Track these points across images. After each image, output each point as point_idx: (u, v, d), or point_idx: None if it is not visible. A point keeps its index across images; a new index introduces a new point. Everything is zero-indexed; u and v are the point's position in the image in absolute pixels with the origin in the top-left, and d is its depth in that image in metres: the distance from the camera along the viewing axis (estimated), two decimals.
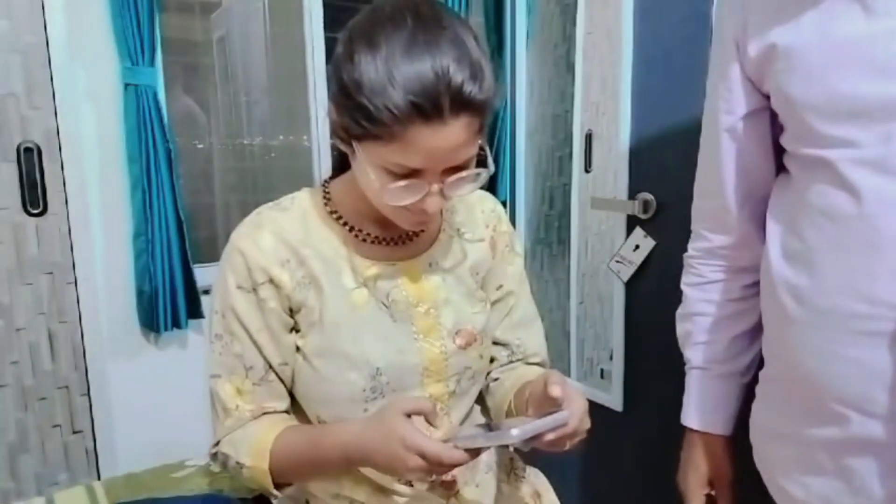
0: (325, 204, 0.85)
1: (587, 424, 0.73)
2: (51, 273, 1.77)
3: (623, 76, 1.55)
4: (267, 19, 2.52)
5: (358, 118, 0.68)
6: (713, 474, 0.91)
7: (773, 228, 0.75)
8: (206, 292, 2.02)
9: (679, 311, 0.96)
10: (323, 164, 2.31)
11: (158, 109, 1.85)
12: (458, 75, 0.66)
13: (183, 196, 1.93)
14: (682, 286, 0.95)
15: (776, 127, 0.77)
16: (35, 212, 1.73)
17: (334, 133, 0.76)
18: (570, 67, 2.03)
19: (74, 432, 1.85)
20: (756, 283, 0.84)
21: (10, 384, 1.75)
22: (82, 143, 1.80)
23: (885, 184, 0.60)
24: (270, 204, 0.85)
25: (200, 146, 2.25)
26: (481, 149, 0.74)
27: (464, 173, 0.72)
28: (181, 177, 1.93)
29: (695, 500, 0.92)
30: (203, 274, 2.01)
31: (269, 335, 0.81)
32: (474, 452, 0.71)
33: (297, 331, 0.83)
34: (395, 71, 0.65)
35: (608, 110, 1.91)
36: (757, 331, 0.88)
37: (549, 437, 0.69)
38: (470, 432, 0.78)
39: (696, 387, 0.93)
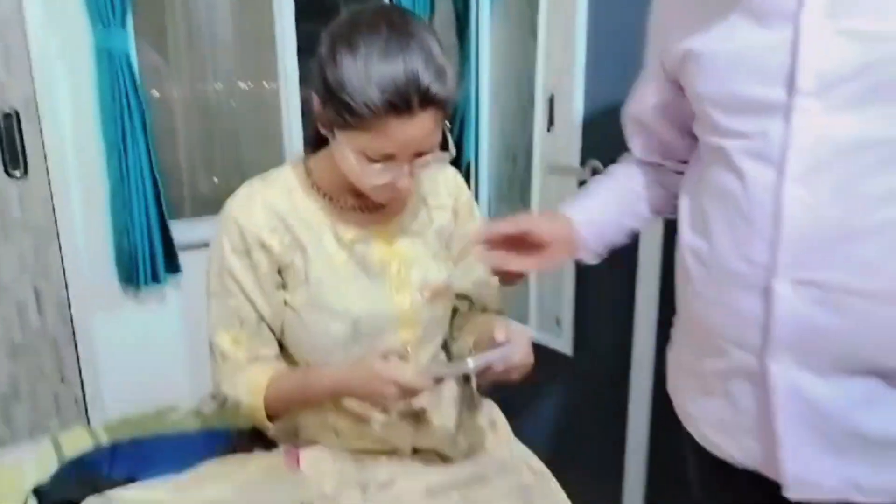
0: (307, 178, 0.98)
1: (530, 359, 0.87)
2: (34, 233, 1.85)
3: (577, 45, 1.64)
4: None
5: (340, 111, 0.80)
6: (548, 235, 0.89)
7: (683, 202, 0.88)
8: (182, 249, 2.10)
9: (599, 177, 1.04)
10: (292, 118, 2.35)
11: (132, 71, 1.88)
12: (426, 76, 0.78)
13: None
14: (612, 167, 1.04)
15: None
16: (16, 174, 1.78)
17: (318, 121, 0.88)
18: (534, 30, 2.08)
19: (63, 382, 1.96)
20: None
21: (0, 338, 1.84)
22: (59, 108, 1.85)
23: (761, 170, 0.73)
24: (259, 177, 0.98)
25: (158, 95, 2.23)
26: (444, 135, 0.87)
27: (429, 157, 0.86)
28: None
29: (511, 224, 0.88)
30: (177, 230, 2.08)
31: (261, 292, 0.94)
32: (438, 380, 0.87)
33: (286, 288, 0.96)
34: (372, 72, 0.77)
35: (569, 72, 1.98)
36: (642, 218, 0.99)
37: (499, 367, 0.84)
38: (435, 363, 0.95)
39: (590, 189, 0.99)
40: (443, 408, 1.05)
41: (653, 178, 1.01)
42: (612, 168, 1.05)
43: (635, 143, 1.02)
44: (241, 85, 2.44)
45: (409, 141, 0.82)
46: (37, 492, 0.90)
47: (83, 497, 0.85)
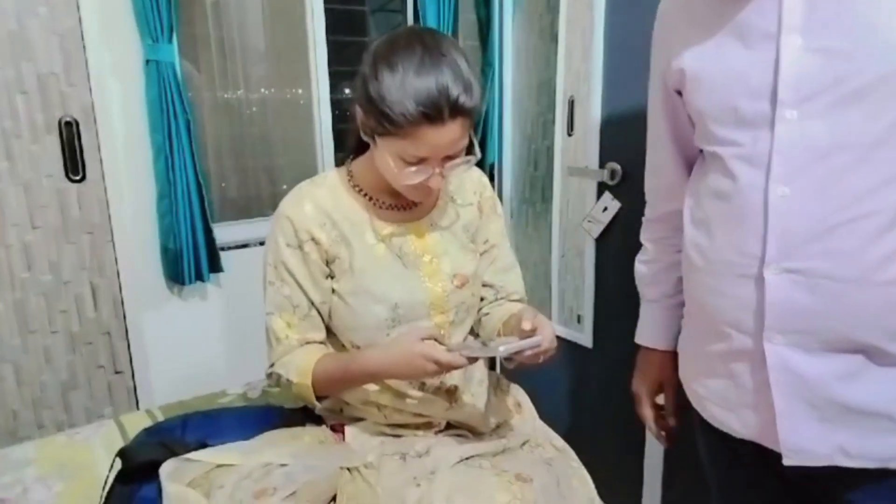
0: (349, 180, 1.10)
1: (555, 345, 0.98)
2: (91, 233, 1.99)
3: (595, 51, 1.71)
4: None
5: (381, 121, 0.92)
6: (661, 379, 1.13)
7: (687, 201, 0.97)
8: (223, 249, 2.25)
9: (639, 258, 1.17)
10: (323, 125, 2.46)
11: (177, 82, 2.01)
12: (455, 90, 0.90)
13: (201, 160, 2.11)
14: (643, 241, 1.18)
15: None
16: (76, 178, 1.93)
17: (360, 129, 1.00)
18: (554, 37, 2.14)
19: (116, 372, 2.10)
20: None
21: (60, 331, 1.98)
22: (112, 116, 1.98)
23: (751, 173, 0.82)
24: (308, 181, 1.10)
25: (196, 99, 2.27)
26: (470, 140, 0.99)
27: (458, 160, 0.98)
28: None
29: (646, 402, 1.14)
30: (219, 232, 2.21)
31: (312, 281, 1.06)
32: (472, 360, 0.97)
33: (332, 277, 1.07)
34: (408, 87, 0.89)
35: (589, 77, 2.05)
36: None
37: (528, 353, 0.94)
38: (469, 344, 1.06)
39: (649, 314, 1.15)
40: (473, 389, 1.15)
41: (673, 234, 1.09)
42: (651, 273, 1.15)
43: (659, 195, 1.12)
44: (274, 93, 2.54)
45: (440, 146, 0.93)
46: (122, 454, 1.01)
47: (164, 458, 0.96)
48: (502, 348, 0.92)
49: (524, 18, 2.18)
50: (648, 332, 1.16)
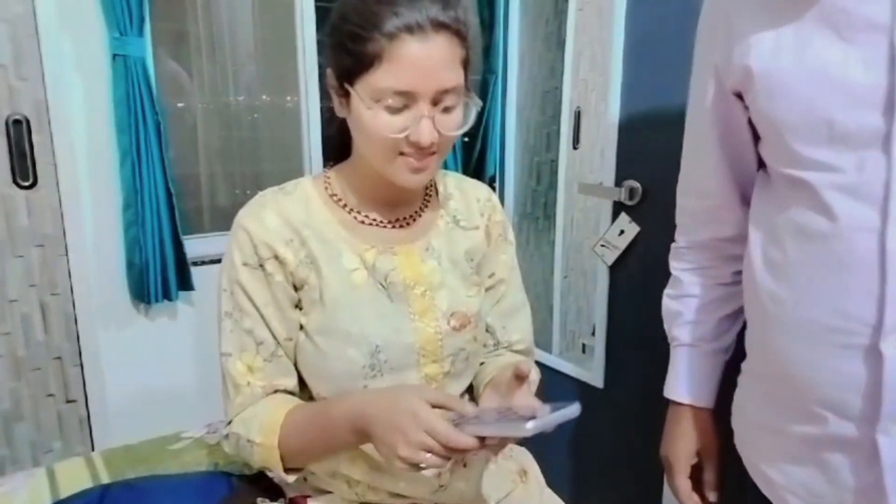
0: (326, 188, 0.89)
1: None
2: (42, 245, 1.78)
3: (614, 59, 1.55)
4: None
5: (353, 49, 0.75)
6: (701, 445, 0.94)
7: (755, 235, 0.78)
8: (195, 264, 2.05)
9: (668, 292, 1.00)
10: (312, 131, 2.30)
11: (147, 80, 1.83)
12: (436, 2, 0.75)
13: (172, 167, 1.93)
14: (674, 270, 0.99)
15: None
16: (25, 184, 1.72)
17: (332, 91, 0.82)
18: (561, 44, 2.03)
19: (68, 401, 1.88)
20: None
21: (4, 355, 1.77)
22: (71, 115, 1.78)
23: (858, 209, 0.63)
24: (274, 188, 0.89)
25: (181, 105, 2.20)
26: (466, 91, 0.81)
27: (450, 101, 0.78)
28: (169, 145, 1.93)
29: (682, 471, 0.94)
30: (192, 245, 2.02)
31: (276, 308, 0.85)
32: (481, 440, 0.69)
33: (300, 308, 0.87)
34: (381, 4, 0.74)
35: (598, 87, 1.91)
36: (740, 313, 0.92)
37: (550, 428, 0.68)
38: (478, 416, 0.73)
39: (684, 362, 0.96)
40: (467, 456, 0.94)
41: (717, 263, 0.93)
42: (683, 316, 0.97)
43: (700, 219, 0.95)
44: (262, 97, 2.41)
45: (425, 68, 0.75)
46: None
47: None
48: (530, 425, 0.64)
49: (529, 23, 2.10)
50: (683, 385, 0.96)
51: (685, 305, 0.96)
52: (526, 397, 0.76)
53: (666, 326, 1.00)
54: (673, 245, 1.01)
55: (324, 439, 0.82)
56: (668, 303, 0.99)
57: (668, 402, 0.99)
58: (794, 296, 0.70)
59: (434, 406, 0.71)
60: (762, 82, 0.70)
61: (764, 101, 0.71)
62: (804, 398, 0.71)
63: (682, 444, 0.95)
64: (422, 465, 0.70)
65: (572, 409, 0.68)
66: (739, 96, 0.77)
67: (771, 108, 0.70)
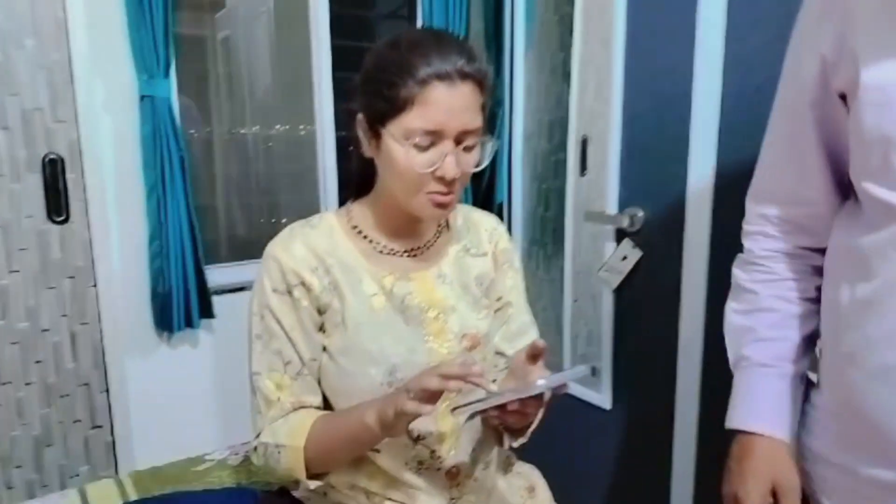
0: (348, 221, 0.98)
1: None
2: (73, 277, 1.86)
3: (614, 92, 1.62)
4: (272, 22, 2.58)
5: (385, 93, 0.84)
6: (779, 483, 0.79)
7: (839, 260, 0.72)
8: (215, 293, 2.12)
9: (735, 307, 0.90)
10: (328, 163, 2.37)
11: (172, 118, 1.92)
12: (462, 54, 0.85)
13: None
14: (744, 282, 0.89)
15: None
16: (58, 219, 1.81)
17: (362, 132, 0.91)
18: (567, 75, 2.09)
19: (94, 427, 1.95)
20: None
21: (36, 382, 1.84)
22: (101, 153, 1.88)
23: None
24: (301, 221, 0.98)
25: (196, 134, 2.25)
26: (485, 133, 0.91)
27: (471, 141, 0.87)
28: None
29: None
30: (210, 275, 2.08)
31: (302, 331, 0.92)
32: (502, 407, 0.80)
33: (324, 330, 0.94)
34: (415, 52, 0.84)
35: (603, 115, 1.97)
36: (817, 335, 0.85)
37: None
38: (499, 392, 0.83)
39: (758, 385, 0.84)
40: (477, 472, 1.00)
41: (802, 276, 0.84)
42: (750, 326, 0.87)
43: (793, 227, 0.86)
44: (279, 129, 2.48)
45: (453, 110, 0.84)
46: None
47: None
48: (541, 381, 0.77)
49: (536, 56, 2.15)
50: (757, 412, 0.83)
51: (758, 321, 0.85)
52: (540, 371, 0.84)
53: (730, 345, 0.90)
54: (741, 255, 0.91)
55: (345, 441, 0.89)
56: (735, 318, 0.88)
57: (731, 433, 0.86)
58: (886, 336, 0.65)
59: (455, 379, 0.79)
60: (875, 93, 0.64)
61: (871, 112, 0.65)
62: (885, 444, 0.67)
63: (755, 482, 0.80)
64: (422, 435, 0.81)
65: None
66: (843, 97, 0.71)
67: (881, 120, 0.64)
